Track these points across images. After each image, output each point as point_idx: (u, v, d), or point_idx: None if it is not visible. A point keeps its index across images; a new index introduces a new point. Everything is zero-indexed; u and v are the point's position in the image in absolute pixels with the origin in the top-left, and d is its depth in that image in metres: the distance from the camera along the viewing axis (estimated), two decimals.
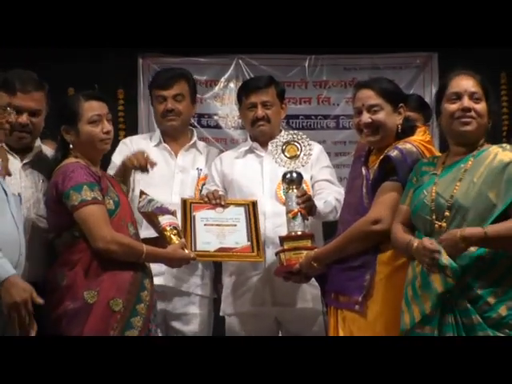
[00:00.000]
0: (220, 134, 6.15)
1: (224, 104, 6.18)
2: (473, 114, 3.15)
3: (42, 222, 3.61)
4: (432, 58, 6.11)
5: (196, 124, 6.00)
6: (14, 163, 3.63)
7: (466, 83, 3.19)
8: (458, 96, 3.18)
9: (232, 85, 6.16)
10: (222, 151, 4.63)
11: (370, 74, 5.93)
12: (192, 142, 4.39)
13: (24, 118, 3.61)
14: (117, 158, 4.16)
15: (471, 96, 3.17)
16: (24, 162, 3.67)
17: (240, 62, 6.10)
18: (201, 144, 4.50)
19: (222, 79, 6.17)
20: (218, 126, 6.19)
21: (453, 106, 3.18)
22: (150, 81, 4.64)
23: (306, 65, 6.13)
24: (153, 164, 3.85)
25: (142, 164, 3.79)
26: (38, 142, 3.78)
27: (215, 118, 6.19)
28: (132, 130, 5.86)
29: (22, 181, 3.62)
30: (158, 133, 4.42)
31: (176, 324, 4.18)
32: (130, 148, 4.30)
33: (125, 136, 5.56)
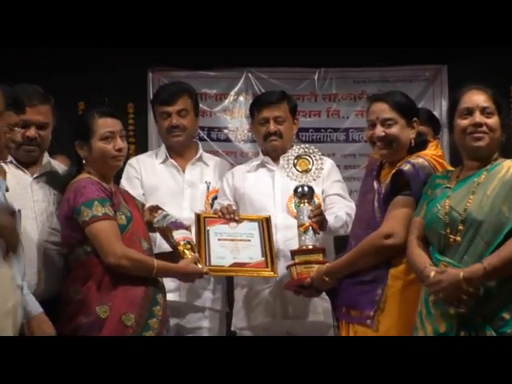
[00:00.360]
0: (230, 148, 6.15)
1: (234, 117, 6.17)
2: (484, 129, 3.16)
3: (55, 236, 3.62)
4: (441, 71, 6.10)
5: (206, 137, 6.02)
6: (24, 178, 3.65)
7: (477, 98, 3.20)
8: (470, 111, 3.19)
9: (242, 98, 6.17)
10: (232, 165, 4.65)
11: (379, 87, 6.01)
12: (198, 155, 4.40)
13: (32, 132, 3.63)
14: (125, 183, 4.19)
15: (483, 111, 3.17)
16: (34, 176, 3.68)
17: (249, 75, 6.09)
18: (207, 156, 4.50)
19: (232, 93, 6.16)
20: (227, 140, 6.18)
21: (464, 122, 3.19)
22: (153, 96, 4.64)
23: (316, 78, 6.12)
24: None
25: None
26: (46, 157, 3.80)
27: (225, 131, 6.19)
28: (142, 143, 5.89)
29: (34, 195, 3.63)
30: (163, 149, 4.42)
31: None
32: (137, 169, 4.33)
33: (135, 150, 5.63)
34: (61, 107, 3.81)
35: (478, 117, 3.16)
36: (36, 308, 3.29)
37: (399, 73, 6.10)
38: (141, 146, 5.76)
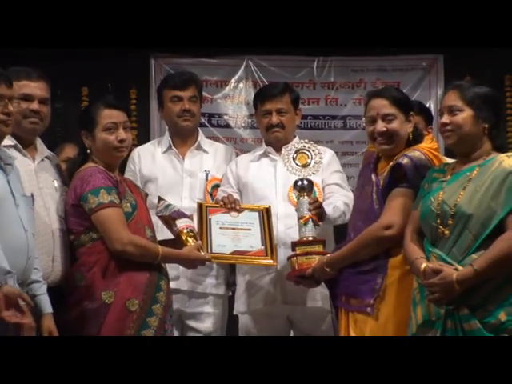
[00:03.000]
0: (230, 134, 6.14)
1: (234, 104, 6.17)
2: (449, 127, 3.21)
3: (62, 223, 3.62)
4: (438, 61, 6.10)
5: (206, 123, 6.01)
6: (28, 164, 3.61)
7: (446, 99, 3.26)
8: (442, 112, 3.26)
9: (242, 85, 6.15)
10: (237, 152, 4.68)
11: (377, 76, 6.06)
12: (196, 143, 4.43)
13: (35, 105, 3.61)
14: (127, 175, 4.19)
15: (450, 110, 3.21)
16: (36, 162, 3.65)
17: (250, 63, 6.08)
18: (206, 143, 4.53)
19: (233, 80, 6.14)
20: (227, 126, 6.16)
21: (439, 123, 3.28)
22: (162, 82, 4.64)
23: (315, 66, 6.10)
24: None
25: None
26: (40, 141, 3.77)
27: (225, 117, 6.17)
28: (144, 129, 5.91)
29: (39, 182, 3.61)
30: (166, 137, 4.46)
31: (191, 322, 4.24)
32: (137, 162, 4.38)
33: (137, 135, 5.64)
34: (65, 92, 3.79)
35: (444, 117, 3.23)
36: (48, 307, 3.32)
37: (397, 62, 6.08)
38: (143, 132, 5.79)
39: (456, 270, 3.04)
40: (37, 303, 3.28)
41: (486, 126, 3.21)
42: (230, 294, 4.37)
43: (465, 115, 3.19)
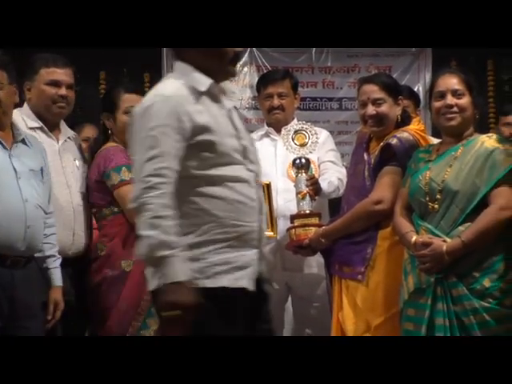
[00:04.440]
0: None
1: (239, 87, 6.26)
2: (455, 109, 3.26)
3: (83, 199, 3.68)
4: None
5: None
6: (53, 145, 3.66)
7: (449, 82, 3.30)
8: (443, 94, 3.29)
9: (246, 69, 6.29)
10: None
11: (370, 61, 6.16)
12: None
13: (63, 91, 3.64)
14: None
15: (454, 93, 3.27)
16: (60, 142, 3.70)
17: (253, 49, 6.20)
18: None
19: (238, 64, 6.26)
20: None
21: (438, 104, 3.30)
22: None
23: (313, 52, 6.24)
24: None
25: None
26: (64, 125, 3.81)
27: None
28: None
29: (62, 161, 3.67)
30: None
31: None
32: None
33: None
34: (84, 76, 3.86)
35: (449, 99, 3.26)
36: (58, 280, 3.41)
37: (388, 48, 6.18)
38: None
39: (444, 241, 3.12)
40: (48, 276, 3.38)
41: (477, 111, 3.31)
42: None
43: (467, 100, 3.27)
